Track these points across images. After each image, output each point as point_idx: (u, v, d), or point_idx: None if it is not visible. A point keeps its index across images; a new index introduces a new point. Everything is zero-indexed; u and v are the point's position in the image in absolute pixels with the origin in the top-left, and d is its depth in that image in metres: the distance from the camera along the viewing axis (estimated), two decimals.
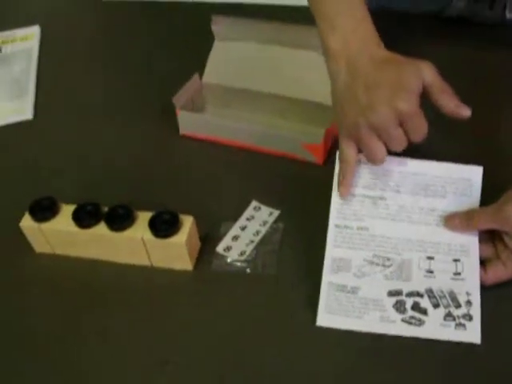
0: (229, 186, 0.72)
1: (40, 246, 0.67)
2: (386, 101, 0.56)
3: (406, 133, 0.57)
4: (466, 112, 0.57)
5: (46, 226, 0.64)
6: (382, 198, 0.64)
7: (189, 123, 0.78)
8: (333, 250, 0.62)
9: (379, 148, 0.58)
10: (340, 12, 0.62)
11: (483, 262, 0.60)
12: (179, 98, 0.77)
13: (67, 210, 0.65)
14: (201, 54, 0.81)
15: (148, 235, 0.62)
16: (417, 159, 0.65)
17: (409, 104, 0.56)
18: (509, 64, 0.84)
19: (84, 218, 0.63)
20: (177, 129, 0.79)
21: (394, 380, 0.55)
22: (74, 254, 0.67)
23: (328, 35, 0.62)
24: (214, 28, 0.80)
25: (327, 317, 0.59)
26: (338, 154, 0.63)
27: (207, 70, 0.81)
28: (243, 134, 0.76)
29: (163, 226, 0.61)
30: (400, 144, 0.58)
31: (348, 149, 0.61)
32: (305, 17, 0.77)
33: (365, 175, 0.65)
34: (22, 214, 0.66)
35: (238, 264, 0.64)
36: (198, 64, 0.81)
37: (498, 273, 0.59)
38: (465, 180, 0.64)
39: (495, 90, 0.81)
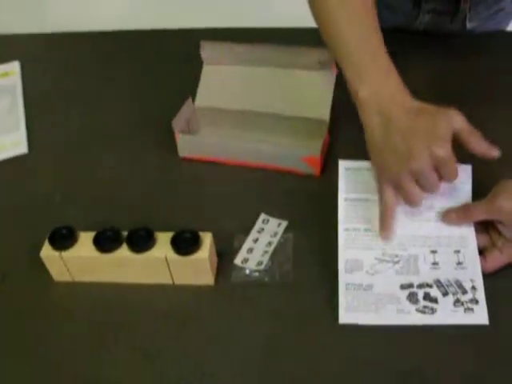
0: (235, 203, 0.76)
1: (59, 274, 0.69)
2: (425, 148, 0.61)
3: (439, 176, 0.63)
4: (495, 153, 0.63)
5: (67, 253, 0.66)
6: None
7: (188, 146, 0.81)
8: (345, 252, 0.67)
9: (418, 192, 0.63)
10: (366, 60, 0.66)
11: (481, 252, 0.66)
12: (177, 123, 0.80)
13: (86, 237, 0.67)
14: (191, 78, 0.85)
15: (171, 254, 0.64)
16: None
17: (445, 150, 0.61)
18: (474, 68, 0.91)
19: (105, 242, 0.66)
20: (175, 152, 0.82)
21: (418, 366, 0.60)
22: (95, 280, 0.68)
23: (356, 84, 0.66)
24: (203, 53, 0.84)
25: (348, 315, 0.63)
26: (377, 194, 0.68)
27: (199, 93, 0.84)
28: (243, 153, 0.79)
29: (185, 244, 0.64)
30: (435, 187, 0.63)
31: (389, 194, 0.65)
32: (290, 38, 0.83)
33: (367, 183, 0.70)
34: (36, 246, 0.67)
35: (257, 274, 0.68)
36: (189, 89, 0.84)
37: (496, 259, 0.65)
38: (457, 179, 0.70)
39: (465, 92, 0.88)
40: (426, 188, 0.63)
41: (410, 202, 0.64)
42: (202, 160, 0.81)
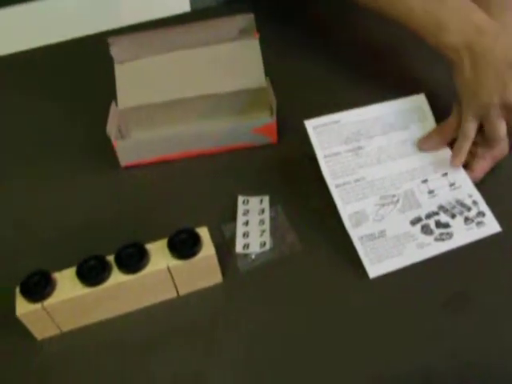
0: (205, 195, 0.69)
1: (42, 330, 0.57)
2: None
3: None
4: None
5: (50, 301, 0.55)
6: (360, 148, 0.67)
7: (129, 152, 0.73)
8: (345, 209, 0.64)
9: (503, 127, 0.63)
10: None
11: (466, 166, 0.67)
12: (111, 130, 0.71)
13: (65, 276, 0.57)
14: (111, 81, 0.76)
15: (173, 261, 0.57)
16: (372, 105, 0.69)
17: None
18: None
19: (91, 274, 0.56)
20: (113, 163, 0.73)
21: (459, 291, 0.58)
22: (88, 322, 0.58)
23: (436, 31, 0.65)
24: (113, 51, 0.75)
25: (375, 267, 0.60)
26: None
27: (119, 96, 0.76)
28: (192, 143, 0.73)
29: (185, 246, 0.57)
30: None
31: (472, 125, 0.64)
32: (198, 18, 0.77)
33: (338, 134, 0.68)
34: None
35: (263, 256, 0.62)
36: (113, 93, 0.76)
37: (482, 167, 0.66)
38: (416, 108, 0.70)
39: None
40: None
41: (493, 135, 0.64)
42: (146, 163, 0.73)
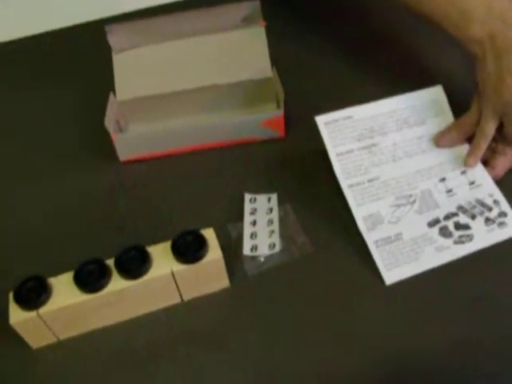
0: (211, 191, 0.66)
1: (38, 338, 0.54)
2: None
3: None
4: None
5: (46, 309, 0.52)
6: (374, 145, 0.64)
7: (129, 146, 0.69)
8: (359, 210, 0.60)
9: None
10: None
11: (486, 163, 0.63)
12: (109, 123, 0.67)
13: (62, 282, 0.53)
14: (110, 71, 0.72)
15: (177, 266, 0.53)
16: (385, 99, 0.66)
17: None
18: None
19: (89, 280, 0.52)
20: (111, 157, 0.69)
21: (486, 293, 0.55)
22: (88, 329, 0.55)
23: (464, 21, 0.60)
24: (111, 39, 0.71)
25: (392, 273, 0.57)
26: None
27: (117, 87, 0.72)
28: (195, 136, 0.69)
29: (190, 249, 0.53)
30: None
31: (491, 124, 0.60)
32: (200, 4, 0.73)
33: (350, 130, 0.64)
34: None
35: (272, 258, 0.58)
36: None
37: (503, 163, 0.63)
38: (433, 101, 0.66)
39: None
40: None
41: None
42: (148, 158, 0.70)
